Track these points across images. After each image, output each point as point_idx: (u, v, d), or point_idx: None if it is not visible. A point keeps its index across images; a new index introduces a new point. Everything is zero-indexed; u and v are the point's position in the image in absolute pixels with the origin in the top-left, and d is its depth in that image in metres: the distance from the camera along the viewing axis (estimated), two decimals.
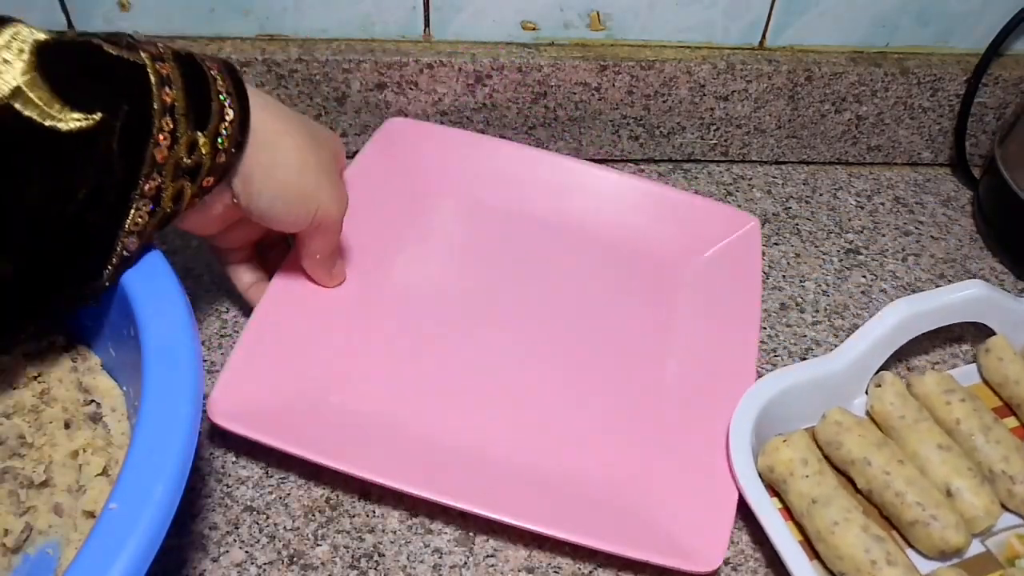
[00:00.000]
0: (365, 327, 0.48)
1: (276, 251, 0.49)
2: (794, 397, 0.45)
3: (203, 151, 0.36)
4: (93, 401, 0.40)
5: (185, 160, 0.35)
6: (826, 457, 0.44)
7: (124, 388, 0.40)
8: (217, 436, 0.44)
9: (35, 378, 0.40)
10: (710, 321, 0.50)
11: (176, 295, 0.36)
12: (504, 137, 0.61)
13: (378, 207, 0.53)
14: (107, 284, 0.36)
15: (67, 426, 0.39)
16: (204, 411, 0.42)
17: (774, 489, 0.43)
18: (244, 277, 0.48)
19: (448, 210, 0.56)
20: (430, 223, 0.55)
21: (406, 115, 0.59)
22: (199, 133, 0.36)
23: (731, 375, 0.46)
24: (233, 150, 0.37)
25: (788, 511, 0.42)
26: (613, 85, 0.58)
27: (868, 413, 0.46)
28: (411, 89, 0.58)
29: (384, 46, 0.57)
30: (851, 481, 0.43)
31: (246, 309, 0.50)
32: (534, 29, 0.58)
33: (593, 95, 0.59)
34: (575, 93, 0.59)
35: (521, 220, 0.56)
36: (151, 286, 0.36)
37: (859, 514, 0.40)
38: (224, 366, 0.43)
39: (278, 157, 0.40)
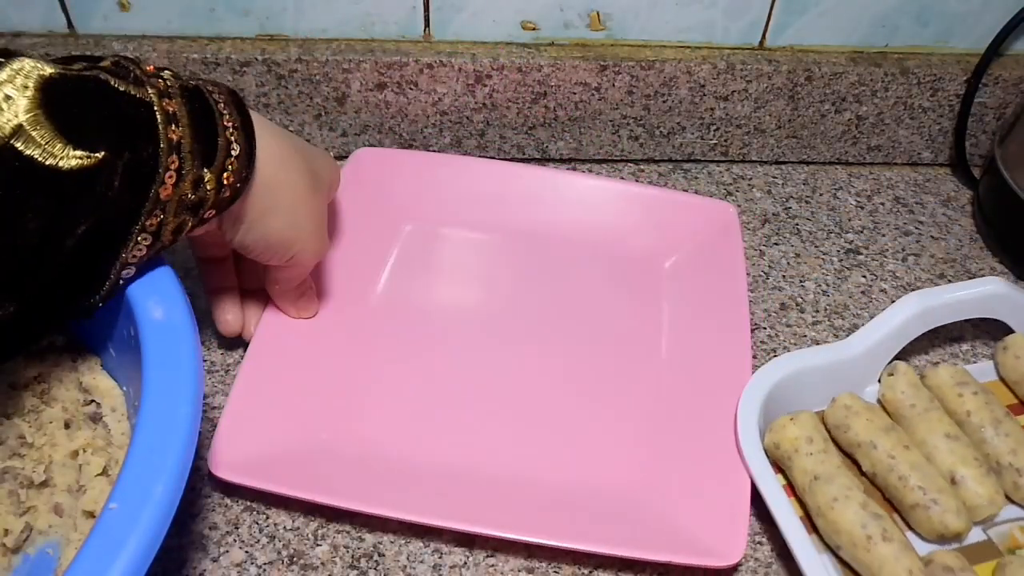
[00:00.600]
0: (358, 358, 0.48)
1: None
2: (805, 380, 0.45)
3: (208, 187, 0.35)
4: (93, 401, 0.40)
5: (190, 196, 0.35)
6: (833, 441, 0.44)
7: (124, 388, 0.40)
8: None
9: (35, 378, 0.40)
10: (701, 313, 0.51)
11: (176, 295, 0.36)
12: (504, 137, 0.61)
13: (355, 238, 0.52)
14: (100, 304, 0.36)
15: (67, 426, 0.39)
16: (201, 458, 0.41)
17: (779, 466, 0.43)
18: (212, 281, 0.46)
19: (426, 233, 0.55)
20: (410, 248, 0.54)
21: (406, 115, 0.59)
22: (205, 169, 0.35)
23: (727, 367, 0.46)
24: (238, 185, 0.37)
25: (792, 488, 0.43)
26: (613, 85, 0.58)
27: (879, 401, 0.47)
28: (411, 89, 0.58)
29: (384, 46, 0.57)
30: (856, 464, 0.44)
31: None
32: (534, 29, 0.58)
33: (593, 95, 0.59)
34: (575, 93, 0.59)
35: (499, 235, 0.55)
36: (151, 286, 0.36)
37: (859, 492, 0.41)
38: (221, 415, 0.42)
39: (273, 205, 0.39)
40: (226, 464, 0.40)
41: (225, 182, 0.36)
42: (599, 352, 0.49)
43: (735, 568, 0.41)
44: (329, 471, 0.41)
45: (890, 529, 0.39)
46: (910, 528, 0.42)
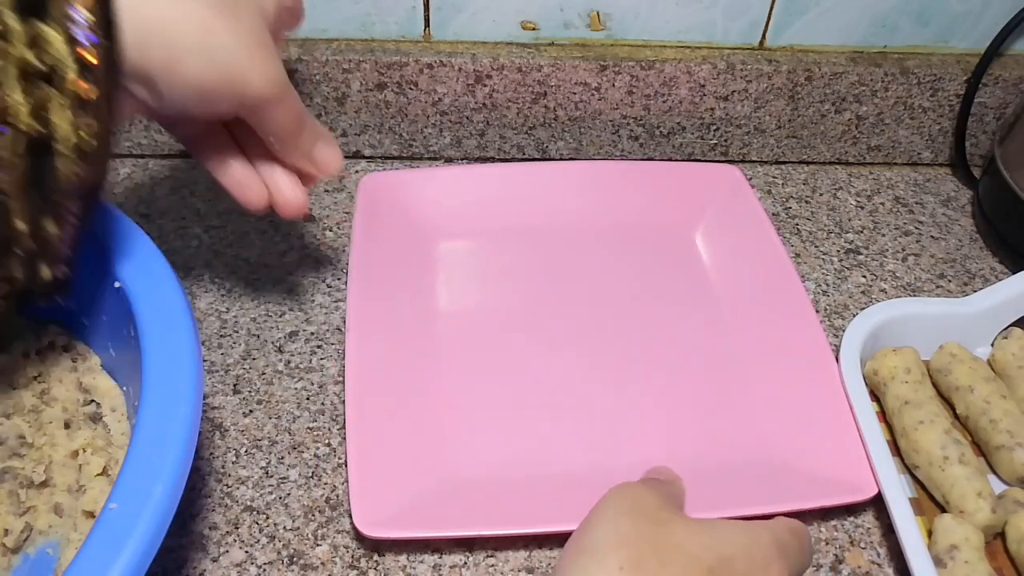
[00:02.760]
0: (449, 385, 0.47)
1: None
2: (914, 325, 0.47)
3: (56, 46, 0.28)
4: (93, 401, 0.40)
5: (32, 61, 0.28)
6: (934, 385, 0.46)
7: (124, 388, 0.40)
8: (217, 435, 0.44)
9: (35, 378, 0.40)
10: (747, 273, 0.52)
11: (176, 295, 0.36)
12: (504, 137, 0.61)
13: (396, 267, 0.51)
14: (54, 274, 0.30)
15: (67, 426, 0.39)
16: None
17: (875, 395, 0.46)
18: (208, 155, 0.39)
19: (457, 248, 0.55)
20: (451, 266, 0.53)
21: (406, 115, 0.59)
22: (39, 24, 0.28)
23: (792, 316, 0.48)
24: (106, 41, 0.29)
25: (883, 415, 0.45)
26: (613, 85, 0.58)
27: (988, 362, 0.47)
28: (411, 89, 0.58)
29: (384, 46, 0.57)
30: (952, 409, 0.45)
31: (246, 308, 0.50)
32: (534, 29, 0.58)
33: (593, 95, 0.59)
34: (575, 93, 0.59)
35: (525, 236, 0.55)
36: (151, 285, 0.36)
37: (945, 421, 0.42)
38: (348, 476, 0.40)
39: (176, 45, 0.32)
40: (376, 523, 0.39)
41: (81, 37, 0.28)
42: (668, 330, 0.50)
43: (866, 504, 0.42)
44: (469, 500, 0.41)
45: (968, 455, 0.41)
46: (992, 471, 0.43)
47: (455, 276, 0.53)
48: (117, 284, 0.36)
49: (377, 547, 0.40)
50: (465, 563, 0.40)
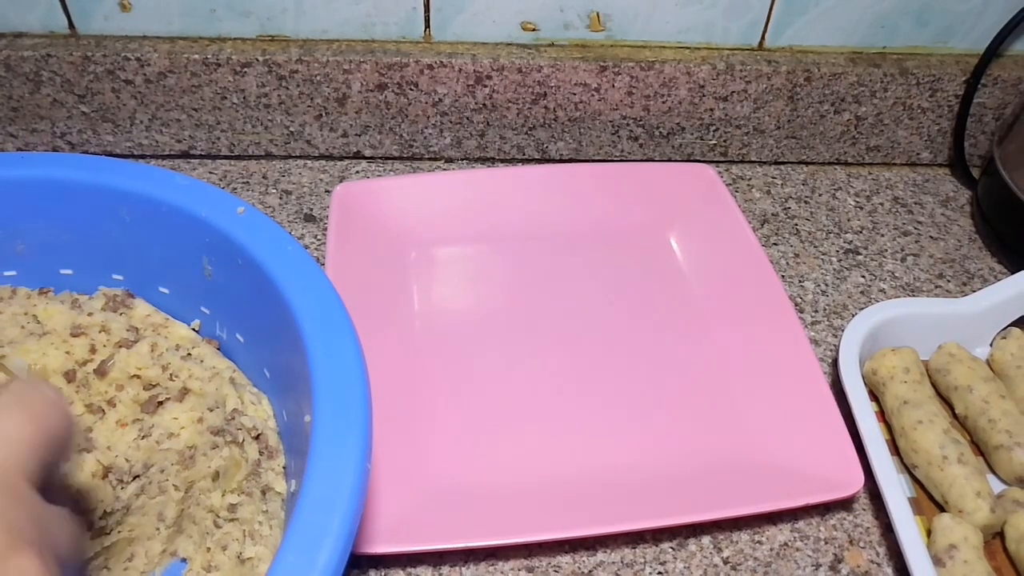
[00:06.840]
0: (435, 398, 0.46)
1: None
2: (914, 325, 0.47)
3: None
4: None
5: None
6: (933, 385, 0.46)
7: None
8: None
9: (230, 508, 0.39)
10: (724, 272, 0.52)
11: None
12: (504, 138, 0.61)
13: (371, 279, 0.51)
14: None
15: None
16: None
17: (874, 395, 0.46)
18: None
19: (430, 256, 0.54)
20: (424, 275, 0.53)
21: (406, 116, 0.59)
22: None
23: (772, 316, 0.48)
24: None
25: (882, 414, 0.45)
26: (613, 86, 0.59)
27: (987, 362, 0.48)
28: (411, 90, 0.58)
29: (384, 47, 0.58)
30: (951, 409, 0.45)
31: None
32: (534, 30, 0.58)
33: (593, 96, 0.59)
34: (575, 94, 0.59)
35: (500, 242, 0.55)
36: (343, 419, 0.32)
37: (944, 421, 0.42)
38: None
39: None
40: (365, 539, 0.38)
41: None
42: (648, 333, 0.50)
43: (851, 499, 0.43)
44: (463, 512, 0.41)
45: (967, 455, 0.41)
46: (991, 471, 0.43)
47: (431, 285, 0.53)
48: (308, 418, 0.33)
49: (360, 562, 0.40)
50: (465, 562, 0.40)
